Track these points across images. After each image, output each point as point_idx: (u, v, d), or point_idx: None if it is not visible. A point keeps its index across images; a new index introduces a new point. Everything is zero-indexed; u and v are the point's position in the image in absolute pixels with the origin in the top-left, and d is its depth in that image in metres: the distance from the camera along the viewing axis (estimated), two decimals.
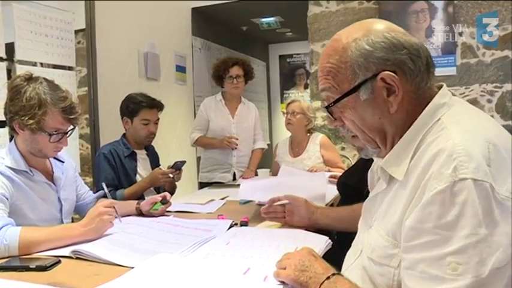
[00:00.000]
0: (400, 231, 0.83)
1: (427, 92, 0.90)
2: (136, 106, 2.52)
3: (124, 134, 2.61)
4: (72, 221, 1.86)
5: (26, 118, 1.52)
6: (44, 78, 1.61)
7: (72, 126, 1.65)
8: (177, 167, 2.45)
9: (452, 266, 0.72)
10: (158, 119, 2.59)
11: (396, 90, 0.87)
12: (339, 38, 0.93)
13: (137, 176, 2.52)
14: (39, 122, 1.53)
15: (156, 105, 2.57)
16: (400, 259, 0.83)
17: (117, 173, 2.45)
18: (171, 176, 2.41)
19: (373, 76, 0.88)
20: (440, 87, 0.93)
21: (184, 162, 2.49)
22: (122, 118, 2.57)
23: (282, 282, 1.02)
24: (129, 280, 1.07)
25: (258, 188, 1.99)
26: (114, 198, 2.22)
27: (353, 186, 1.83)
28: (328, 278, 0.92)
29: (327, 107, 0.95)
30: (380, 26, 0.91)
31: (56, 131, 1.58)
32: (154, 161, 2.70)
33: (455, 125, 0.83)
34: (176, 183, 2.63)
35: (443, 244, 0.74)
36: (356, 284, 0.91)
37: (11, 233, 1.34)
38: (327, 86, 0.94)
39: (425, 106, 0.89)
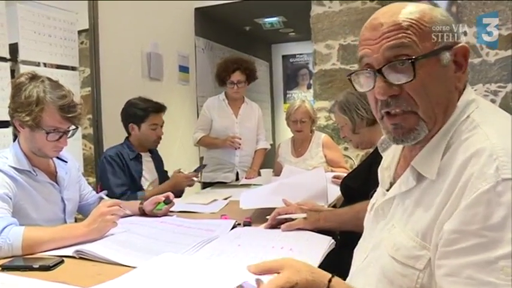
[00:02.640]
0: (431, 232, 0.80)
1: (464, 83, 0.90)
2: (143, 112, 2.53)
3: (127, 138, 2.61)
4: (76, 221, 1.87)
5: (23, 115, 1.53)
6: (48, 78, 1.62)
7: (73, 127, 1.64)
8: (199, 170, 2.50)
9: (506, 271, 0.68)
10: (163, 121, 2.62)
11: (464, 67, 0.87)
12: (401, 6, 0.89)
13: (142, 179, 2.53)
14: (35, 119, 1.53)
15: (162, 109, 2.60)
16: (427, 261, 0.80)
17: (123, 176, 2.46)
18: (194, 179, 2.43)
19: (450, 46, 0.86)
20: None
21: (205, 165, 2.54)
22: (127, 124, 2.58)
23: None
24: (131, 279, 1.07)
25: (258, 196, 1.99)
26: (135, 199, 2.26)
27: (356, 190, 1.83)
28: None
29: (413, 61, 0.83)
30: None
31: (54, 129, 1.58)
32: (159, 164, 2.71)
33: (488, 125, 0.81)
34: None
35: (492, 247, 0.70)
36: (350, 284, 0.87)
37: (14, 233, 1.35)
38: (405, 41, 0.85)
39: (460, 96, 0.88)
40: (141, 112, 2.53)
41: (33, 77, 1.59)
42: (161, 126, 2.59)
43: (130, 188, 2.41)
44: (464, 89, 0.88)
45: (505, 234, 0.69)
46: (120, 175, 2.42)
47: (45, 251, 1.36)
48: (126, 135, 2.63)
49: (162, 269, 1.10)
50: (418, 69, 0.83)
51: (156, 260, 1.14)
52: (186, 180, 2.44)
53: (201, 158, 3.96)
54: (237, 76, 3.17)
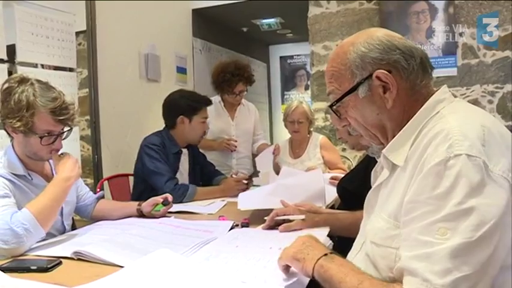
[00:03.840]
0: (401, 211, 0.87)
1: (423, 89, 0.97)
2: (198, 105, 2.54)
3: (167, 131, 2.57)
4: (73, 222, 1.87)
5: (14, 121, 1.50)
6: (37, 80, 1.57)
7: (67, 128, 1.62)
8: (249, 175, 2.55)
9: (441, 231, 0.76)
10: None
11: (391, 87, 0.95)
12: (341, 45, 1.03)
13: (178, 173, 2.53)
14: (27, 124, 1.50)
15: (210, 103, 2.67)
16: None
17: None
18: (244, 182, 2.44)
19: (369, 75, 0.96)
20: (439, 88, 1.00)
21: (259, 171, 2.55)
22: (175, 117, 2.53)
23: (286, 267, 1.06)
24: (119, 277, 1.08)
25: (256, 197, 1.99)
26: (186, 190, 2.30)
27: (353, 192, 1.82)
28: (325, 254, 0.97)
29: (331, 107, 1.04)
30: (378, 33, 1.00)
31: (48, 133, 1.55)
32: (193, 160, 2.70)
33: (453, 114, 0.90)
34: None
35: (435, 213, 0.78)
36: (352, 263, 0.94)
37: (23, 216, 1.38)
38: (331, 89, 1.03)
39: (423, 102, 0.95)
40: (195, 104, 2.54)
41: (22, 81, 1.55)
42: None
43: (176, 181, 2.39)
44: (419, 98, 0.96)
45: (448, 202, 0.77)
46: (166, 166, 2.40)
47: (53, 215, 1.49)
48: (164, 127, 2.60)
49: (151, 268, 1.11)
50: (345, 108, 1.02)
51: (146, 258, 1.15)
52: (236, 185, 2.41)
53: None
54: (239, 87, 3.17)
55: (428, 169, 0.81)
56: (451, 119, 0.87)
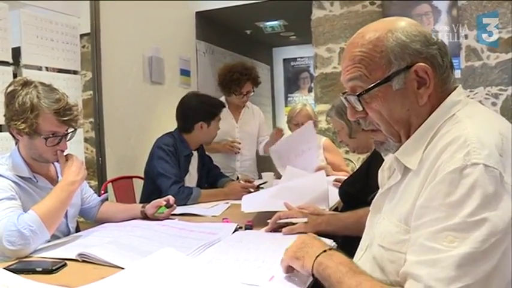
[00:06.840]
0: (411, 215, 0.85)
1: (449, 88, 0.94)
2: (217, 110, 2.57)
3: (179, 133, 2.56)
4: (78, 225, 1.87)
5: (19, 123, 1.51)
6: (40, 83, 1.59)
7: (71, 129, 1.64)
8: (259, 185, 2.56)
9: (449, 239, 0.75)
10: None
11: (428, 82, 0.90)
12: (369, 30, 0.95)
13: (188, 175, 2.54)
14: (32, 126, 1.52)
15: (225, 106, 2.69)
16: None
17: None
18: (251, 190, 2.45)
19: (406, 67, 0.90)
20: (455, 88, 0.96)
21: (266, 182, 2.60)
22: (194, 122, 2.51)
23: (288, 268, 1.07)
24: (119, 278, 1.08)
25: (260, 199, 1.99)
26: (190, 193, 2.30)
27: (354, 195, 1.82)
28: (324, 251, 0.96)
29: (359, 95, 0.94)
30: (408, 21, 0.95)
31: (52, 134, 1.57)
32: (202, 160, 2.71)
33: (470, 119, 0.86)
34: None
35: (445, 220, 0.76)
36: (352, 261, 0.93)
37: (30, 218, 1.39)
38: (357, 74, 0.94)
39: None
40: (215, 109, 2.56)
41: (25, 83, 1.57)
42: None
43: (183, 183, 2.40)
44: (444, 97, 0.92)
45: (460, 211, 0.75)
46: (176, 168, 2.41)
47: (59, 218, 1.51)
48: (175, 129, 2.59)
49: (154, 267, 1.11)
50: (369, 99, 0.93)
51: (150, 257, 1.16)
52: (241, 190, 2.43)
53: None
54: (247, 87, 3.17)
55: (443, 176, 0.78)
56: (469, 125, 0.84)
